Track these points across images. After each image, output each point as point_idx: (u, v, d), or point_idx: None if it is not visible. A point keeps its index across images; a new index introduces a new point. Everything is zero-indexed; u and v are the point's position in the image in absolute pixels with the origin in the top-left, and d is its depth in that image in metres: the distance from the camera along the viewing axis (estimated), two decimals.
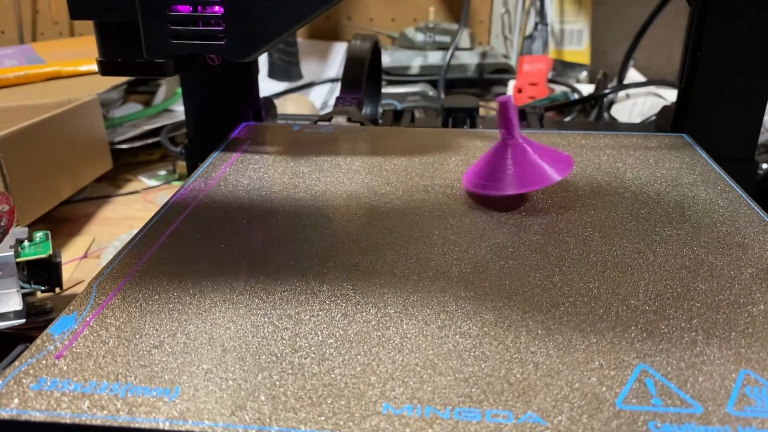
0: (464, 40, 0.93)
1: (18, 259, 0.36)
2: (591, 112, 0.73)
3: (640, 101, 0.71)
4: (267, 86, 0.86)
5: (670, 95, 0.70)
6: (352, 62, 0.53)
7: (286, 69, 0.90)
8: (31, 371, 0.20)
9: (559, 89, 0.81)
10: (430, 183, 0.34)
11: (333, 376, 0.20)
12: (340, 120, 0.47)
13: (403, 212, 0.31)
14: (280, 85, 0.88)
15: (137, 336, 0.22)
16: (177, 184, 0.65)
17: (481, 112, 0.53)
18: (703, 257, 0.27)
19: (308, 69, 0.92)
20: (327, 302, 0.23)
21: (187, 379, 0.19)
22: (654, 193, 0.33)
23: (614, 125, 0.62)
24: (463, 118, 0.51)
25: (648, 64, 0.88)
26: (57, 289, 0.38)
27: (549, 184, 0.31)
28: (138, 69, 0.37)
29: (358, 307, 0.23)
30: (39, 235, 0.38)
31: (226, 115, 0.46)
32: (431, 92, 0.84)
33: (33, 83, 0.69)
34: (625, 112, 0.71)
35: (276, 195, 0.33)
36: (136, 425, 0.18)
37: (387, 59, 0.89)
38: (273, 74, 0.90)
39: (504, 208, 0.31)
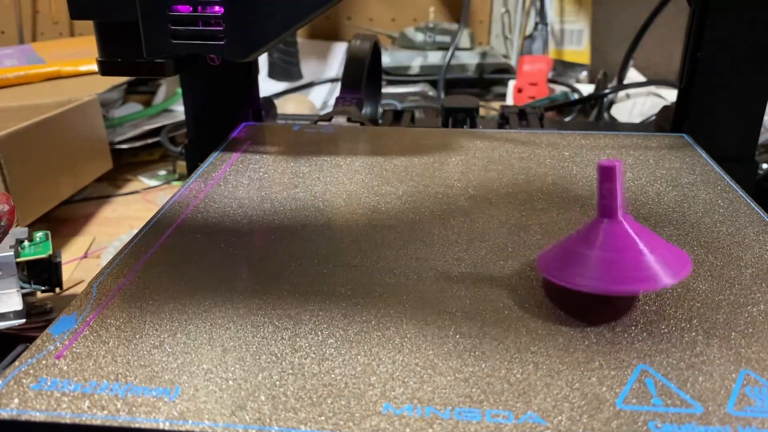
0: (464, 40, 0.93)
1: (18, 259, 0.36)
2: (591, 112, 0.73)
3: (640, 101, 0.71)
4: (267, 86, 0.86)
5: (670, 95, 0.70)
6: (352, 62, 0.53)
7: (286, 69, 0.90)
8: (31, 371, 0.20)
9: (559, 89, 0.81)
10: (430, 183, 0.34)
11: (333, 376, 0.20)
12: (340, 120, 0.47)
13: (403, 212, 0.31)
14: (280, 85, 0.88)
15: (137, 336, 0.22)
16: (177, 184, 0.65)
17: (481, 112, 0.53)
18: (703, 257, 0.27)
19: (308, 69, 0.92)
20: (327, 302, 0.23)
21: (187, 379, 0.19)
22: (654, 193, 0.33)
23: (614, 125, 0.62)
24: (463, 118, 0.51)
25: (648, 64, 0.88)
26: (57, 289, 0.38)
27: (654, 287, 0.22)
28: (138, 69, 0.37)
29: (358, 307, 0.23)
30: (39, 235, 0.38)
31: (226, 115, 0.46)
32: (431, 92, 0.84)
33: (33, 83, 0.69)
34: (625, 112, 0.71)
35: (276, 195, 0.33)
36: (136, 425, 0.18)
37: (387, 59, 0.89)
38: (273, 74, 0.90)
39: (584, 300, 0.23)
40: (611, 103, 0.73)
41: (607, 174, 0.22)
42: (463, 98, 0.53)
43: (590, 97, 0.73)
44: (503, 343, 0.21)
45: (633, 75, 0.80)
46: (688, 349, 0.21)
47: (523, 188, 0.34)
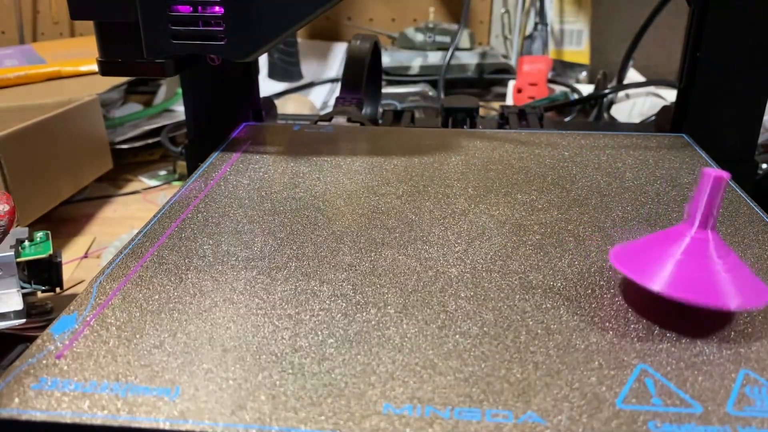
0: (464, 40, 0.93)
1: (18, 259, 0.36)
2: (591, 112, 0.74)
3: (640, 101, 0.71)
4: (267, 86, 0.86)
5: (670, 95, 0.70)
6: (352, 62, 0.53)
7: (286, 69, 0.90)
8: (31, 371, 0.20)
9: (558, 89, 0.81)
10: (430, 183, 0.34)
11: (333, 376, 0.20)
12: (340, 120, 0.47)
13: (403, 212, 0.31)
14: (280, 85, 0.88)
15: (137, 336, 0.22)
16: (177, 184, 0.65)
17: (481, 112, 0.53)
18: None
19: (308, 69, 0.92)
20: (327, 302, 0.23)
21: (188, 379, 0.19)
22: (654, 193, 0.33)
23: (614, 125, 0.62)
24: (463, 118, 0.51)
25: (648, 64, 0.88)
26: (57, 289, 0.38)
27: (720, 306, 0.21)
28: (138, 69, 0.37)
29: (358, 307, 0.23)
30: (39, 235, 0.38)
31: (226, 115, 0.46)
32: (431, 92, 0.84)
33: (33, 83, 0.69)
34: (625, 112, 0.71)
35: (276, 195, 0.33)
36: (137, 425, 0.18)
37: (387, 59, 0.89)
38: (273, 74, 0.90)
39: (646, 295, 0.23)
40: (611, 103, 0.73)
41: (717, 185, 0.22)
42: (463, 98, 0.53)
43: (590, 97, 0.73)
44: (503, 343, 0.21)
45: (633, 75, 0.80)
46: (687, 349, 0.21)
47: (523, 188, 0.34)
